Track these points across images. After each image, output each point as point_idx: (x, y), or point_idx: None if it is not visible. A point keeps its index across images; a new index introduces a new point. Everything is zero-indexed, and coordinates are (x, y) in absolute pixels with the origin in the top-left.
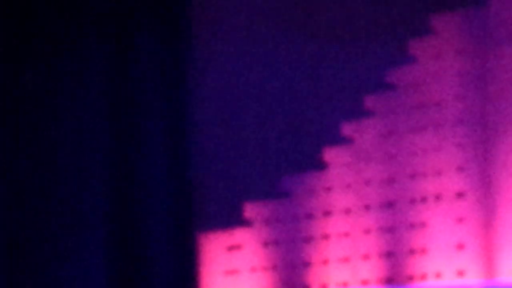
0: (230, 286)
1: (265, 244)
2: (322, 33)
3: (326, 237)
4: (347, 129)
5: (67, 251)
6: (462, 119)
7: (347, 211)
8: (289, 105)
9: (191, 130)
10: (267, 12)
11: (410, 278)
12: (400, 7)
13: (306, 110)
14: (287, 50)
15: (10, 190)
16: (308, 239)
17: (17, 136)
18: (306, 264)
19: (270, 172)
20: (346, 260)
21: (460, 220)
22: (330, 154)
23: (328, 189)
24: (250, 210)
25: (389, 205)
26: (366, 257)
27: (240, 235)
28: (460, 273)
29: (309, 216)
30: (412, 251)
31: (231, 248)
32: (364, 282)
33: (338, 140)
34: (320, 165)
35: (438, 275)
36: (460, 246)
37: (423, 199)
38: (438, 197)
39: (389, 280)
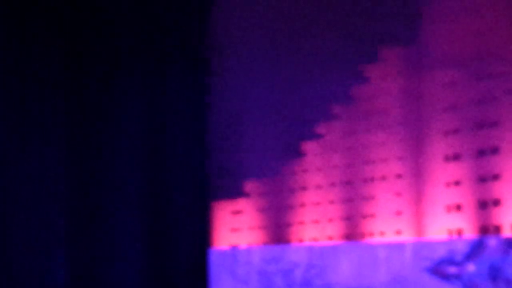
0: (234, 240)
1: (259, 210)
2: (305, 58)
3: (302, 205)
4: (320, 128)
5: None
6: (402, 122)
7: (318, 187)
8: (279, 113)
9: (209, 131)
10: (268, 41)
11: (362, 235)
12: (357, 41)
13: (290, 115)
14: (277, 73)
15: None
16: (290, 207)
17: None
18: (288, 225)
19: (264, 158)
20: (316, 222)
21: (399, 194)
22: (307, 146)
23: (305, 171)
24: (249, 185)
25: (349, 183)
26: (331, 220)
27: (241, 203)
28: (398, 232)
29: (291, 190)
30: (364, 216)
31: (235, 212)
32: (330, 238)
33: (313, 136)
34: (300, 154)
35: (382, 234)
36: (398, 213)
37: (373, 179)
38: (383, 178)
39: (347, 236)
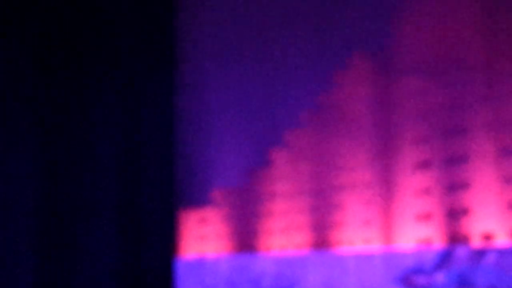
0: (201, 249)
1: (227, 218)
2: (273, 65)
3: (271, 214)
4: (288, 136)
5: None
6: (371, 130)
7: (286, 195)
8: (247, 120)
9: (177, 139)
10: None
11: (331, 244)
12: (327, 48)
13: (258, 122)
14: (245, 80)
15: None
16: (258, 215)
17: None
18: (256, 233)
19: (232, 166)
20: (285, 230)
21: (368, 203)
22: (275, 154)
23: (273, 179)
24: (216, 193)
25: (317, 191)
26: (299, 228)
27: (209, 212)
28: (367, 241)
29: (259, 199)
30: (332, 225)
31: (202, 221)
32: (298, 247)
33: (281, 144)
34: (268, 162)
35: (351, 242)
36: (367, 222)
37: (342, 187)
38: (352, 186)
39: (316, 245)
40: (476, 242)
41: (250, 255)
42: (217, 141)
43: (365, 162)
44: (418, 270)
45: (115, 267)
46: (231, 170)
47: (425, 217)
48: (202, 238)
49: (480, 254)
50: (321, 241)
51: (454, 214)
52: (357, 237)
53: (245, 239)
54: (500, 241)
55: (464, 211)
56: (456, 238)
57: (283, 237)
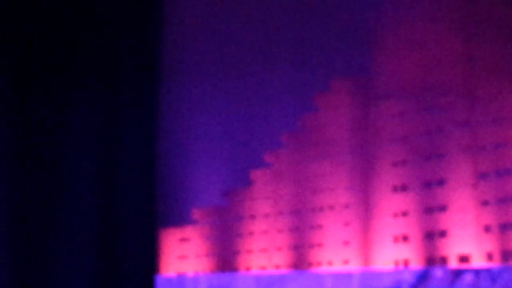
0: (181, 268)
1: (207, 238)
2: (254, 86)
3: (251, 233)
4: (268, 157)
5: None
6: (350, 152)
7: (266, 215)
8: (228, 141)
9: (157, 158)
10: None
11: (310, 264)
12: (307, 70)
13: (239, 143)
14: (226, 100)
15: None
16: (238, 235)
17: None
18: (236, 252)
19: (212, 185)
20: (264, 250)
21: (346, 224)
22: (256, 175)
23: (253, 199)
24: (197, 213)
25: (296, 212)
26: (279, 248)
27: (189, 231)
28: (345, 262)
29: (239, 218)
30: (311, 245)
31: (182, 240)
32: (277, 267)
33: (262, 164)
34: (248, 182)
35: (329, 263)
36: (346, 243)
37: (321, 208)
38: (331, 207)
39: (295, 265)
40: (453, 264)
41: (230, 275)
42: (198, 161)
43: (344, 184)
44: None
45: (96, 286)
46: (212, 190)
47: (403, 238)
48: (182, 257)
49: (456, 275)
50: (300, 261)
51: (432, 236)
52: (336, 257)
53: (225, 258)
54: (477, 263)
55: (442, 233)
56: (433, 260)
57: (263, 256)
